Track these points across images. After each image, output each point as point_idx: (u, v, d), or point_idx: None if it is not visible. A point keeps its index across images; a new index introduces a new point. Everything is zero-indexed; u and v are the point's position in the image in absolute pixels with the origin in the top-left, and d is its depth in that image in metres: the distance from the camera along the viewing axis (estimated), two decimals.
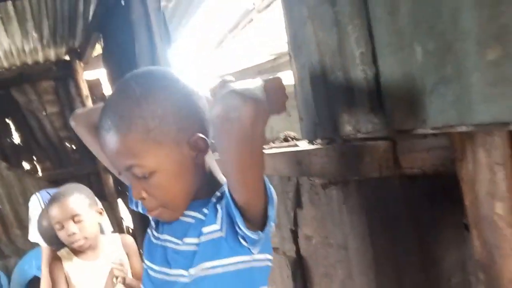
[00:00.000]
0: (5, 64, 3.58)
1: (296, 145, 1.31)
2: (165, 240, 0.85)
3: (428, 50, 0.61)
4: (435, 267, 1.02)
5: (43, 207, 1.89)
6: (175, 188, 0.79)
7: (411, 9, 0.63)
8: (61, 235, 1.56)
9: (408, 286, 1.09)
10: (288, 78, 1.20)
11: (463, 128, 0.60)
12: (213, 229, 0.77)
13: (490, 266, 0.78)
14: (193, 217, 0.81)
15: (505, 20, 0.49)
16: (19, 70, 3.69)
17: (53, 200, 1.57)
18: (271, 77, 0.73)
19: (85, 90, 3.72)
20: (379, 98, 0.76)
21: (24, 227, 3.18)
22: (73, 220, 1.52)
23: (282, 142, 1.49)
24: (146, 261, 0.90)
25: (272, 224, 0.78)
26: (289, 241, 1.50)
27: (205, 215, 0.78)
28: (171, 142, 0.75)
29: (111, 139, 0.75)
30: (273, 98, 0.70)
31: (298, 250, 1.46)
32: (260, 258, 0.82)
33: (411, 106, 0.68)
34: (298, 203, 1.44)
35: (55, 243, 1.69)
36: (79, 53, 3.63)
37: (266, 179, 0.74)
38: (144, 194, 0.79)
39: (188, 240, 0.79)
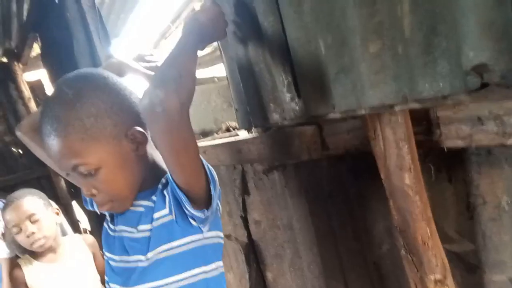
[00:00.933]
0: None
1: (236, 135, 1.38)
2: (121, 231, 0.90)
3: (328, 44, 0.69)
4: (366, 236, 1.13)
5: None
6: (121, 180, 0.85)
7: (312, 7, 0.71)
8: (20, 238, 1.56)
9: (345, 255, 1.20)
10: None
11: (362, 111, 0.68)
12: (163, 213, 0.84)
13: (406, 230, 0.88)
14: (143, 206, 0.87)
15: (381, 17, 0.57)
16: None
17: (6, 205, 1.57)
18: (206, 5, 0.83)
19: (27, 92, 3.61)
20: (296, 87, 0.84)
21: None
22: (30, 220, 1.53)
23: (224, 132, 1.55)
24: (106, 253, 0.95)
25: (218, 202, 0.86)
26: (241, 227, 1.57)
27: (154, 202, 0.84)
28: (109, 138, 0.80)
29: (53, 143, 0.80)
30: (212, 27, 0.80)
31: (249, 235, 1.54)
32: (211, 235, 0.89)
33: (321, 94, 0.76)
34: (245, 190, 1.51)
35: (16, 250, 1.70)
36: (16, 54, 3.52)
37: (204, 161, 0.81)
38: (93, 191, 0.84)
39: (141, 227, 0.86)
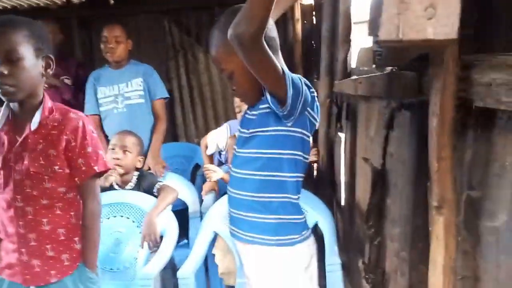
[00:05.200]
0: None
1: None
2: (245, 113, 1.51)
3: None
4: None
5: None
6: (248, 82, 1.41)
7: None
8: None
9: None
10: None
11: None
12: (265, 106, 1.38)
13: None
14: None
15: None
16: None
17: None
18: None
19: (297, 14, 4.35)
20: None
21: None
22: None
23: None
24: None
25: (300, 106, 1.31)
26: (378, 156, 1.84)
27: (262, 99, 1.41)
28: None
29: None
30: None
31: (383, 164, 1.81)
32: (295, 129, 1.39)
33: None
34: (390, 124, 1.77)
35: None
36: None
37: (287, 73, 1.27)
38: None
39: (252, 112, 1.43)
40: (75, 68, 3.53)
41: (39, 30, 1.48)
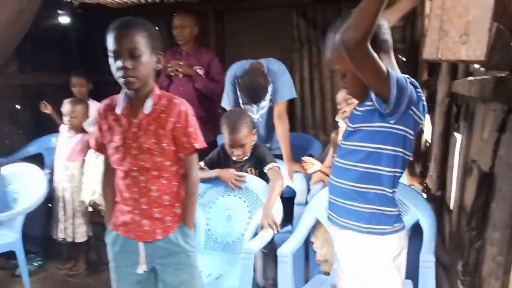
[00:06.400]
0: None
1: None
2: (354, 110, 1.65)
3: None
4: None
5: None
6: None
7: None
8: None
9: None
10: None
11: None
12: (369, 104, 1.52)
13: None
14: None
15: None
16: None
17: None
18: None
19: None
20: None
21: None
22: None
23: None
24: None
25: (404, 105, 1.44)
26: (489, 160, 1.80)
27: (368, 97, 1.54)
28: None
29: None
30: None
31: (492, 167, 1.78)
32: (397, 127, 1.50)
33: None
34: (502, 127, 1.73)
35: None
36: None
37: (392, 74, 1.37)
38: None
39: (359, 108, 1.57)
40: (209, 59, 3.81)
41: (153, 30, 1.77)
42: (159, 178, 1.79)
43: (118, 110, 1.79)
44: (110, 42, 1.67)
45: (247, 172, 2.82)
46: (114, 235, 1.87)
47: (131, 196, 1.80)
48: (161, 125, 1.76)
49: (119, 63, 1.66)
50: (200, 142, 1.82)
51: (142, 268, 1.82)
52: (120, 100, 1.80)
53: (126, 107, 1.80)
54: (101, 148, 1.88)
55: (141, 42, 1.67)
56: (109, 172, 1.89)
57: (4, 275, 3.36)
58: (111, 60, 1.69)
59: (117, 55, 1.66)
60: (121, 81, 1.70)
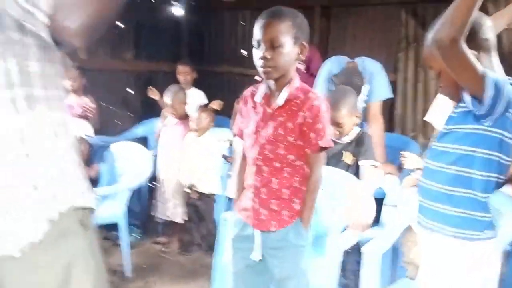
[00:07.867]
0: None
1: None
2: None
3: None
4: None
5: None
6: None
7: None
8: None
9: None
10: None
11: None
12: (465, 105, 1.51)
13: None
14: None
15: None
16: None
17: None
18: None
19: None
20: None
21: None
22: None
23: None
24: None
25: (501, 108, 1.41)
26: None
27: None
28: None
29: None
30: None
31: None
32: (492, 130, 1.48)
33: None
34: None
35: None
36: None
37: (488, 73, 1.36)
38: None
39: (455, 110, 1.58)
40: (310, 54, 3.75)
41: (300, 20, 1.75)
42: (281, 171, 1.79)
43: (257, 98, 1.84)
44: (255, 31, 1.71)
45: (343, 155, 2.77)
46: (236, 217, 1.92)
47: (253, 184, 1.83)
48: (291, 118, 1.76)
49: (260, 52, 1.70)
50: (325, 141, 1.79)
51: (256, 256, 1.85)
52: (261, 89, 1.84)
53: (265, 96, 1.83)
54: (241, 134, 1.95)
55: (284, 32, 1.68)
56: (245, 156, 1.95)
57: (107, 245, 3.69)
58: (254, 49, 1.74)
59: (258, 45, 1.71)
60: (260, 70, 1.73)
